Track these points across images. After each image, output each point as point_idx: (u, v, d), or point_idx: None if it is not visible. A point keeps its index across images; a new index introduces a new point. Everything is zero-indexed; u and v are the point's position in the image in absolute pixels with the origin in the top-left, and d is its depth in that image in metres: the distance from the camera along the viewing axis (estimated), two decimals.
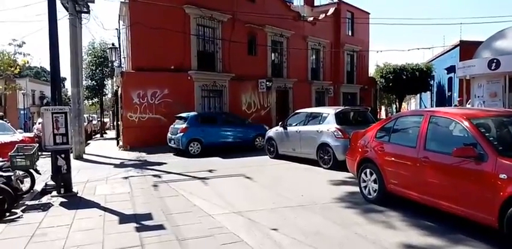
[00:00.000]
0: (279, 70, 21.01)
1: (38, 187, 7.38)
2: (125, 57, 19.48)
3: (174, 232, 4.72)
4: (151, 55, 15.26)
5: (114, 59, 18.90)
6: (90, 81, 26.33)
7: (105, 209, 5.91)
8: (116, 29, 21.13)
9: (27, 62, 27.23)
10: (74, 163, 9.31)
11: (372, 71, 29.67)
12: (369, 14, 27.54)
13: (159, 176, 8.81)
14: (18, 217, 5.56)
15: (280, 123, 11.71)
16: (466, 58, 14.51)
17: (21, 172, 7.05)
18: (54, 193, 6.92)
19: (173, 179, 8.44)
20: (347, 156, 7.00)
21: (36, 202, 6.43)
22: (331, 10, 24.79)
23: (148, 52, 15.25)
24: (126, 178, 8.70)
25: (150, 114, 15.46)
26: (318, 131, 9.78)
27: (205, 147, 12.97)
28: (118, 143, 16.55)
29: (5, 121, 13.42)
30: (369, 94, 28.04)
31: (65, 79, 39.08)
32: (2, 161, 6.63)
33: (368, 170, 6.04)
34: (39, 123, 14.85)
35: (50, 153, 7.30)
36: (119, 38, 20.89)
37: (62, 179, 6.93)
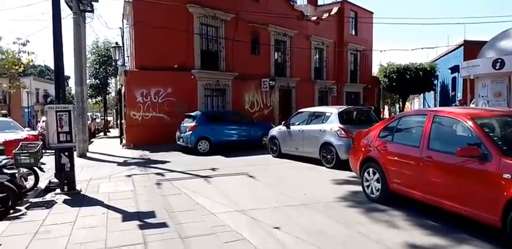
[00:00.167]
0: (282, 70, 20.98)
1: (42, 184, 7.43)
2: (128, 56, 19.49)
3: (177, 230, 4.73)
4: (155, 54, 15.28)
5: (117, 58, 18.98)
6: (93, 80, 26.37)
7: (109, 207, 5.94)
8: (120, 27, 21.13)
9: (32, 61, 27.31)
10: (78, 161, 9.34)
11: (375, 70, 29.62)
12: (372, 13, 27.46)
13: (162, 175, 8.83)
14: (22, 214, 5.59)
15: (283, 122, 11.71)
16: (470, 58, 14.47)
17: (25, 170, 7.09)
18: (58, 190, 6.96)
19: (176, 177, 8.46)
20: (350, 155, 6.99)
21: (40, 200, 6.46)
22: (335, 9, 24.73)
23: (151, 51, 15.27)
24: (129, 176, 8.73)
25: (153, 113, 15.48)
26: (321, 130, 9.77)
27: (213, 145, 13.08)
28: (121, 142, 16.59)
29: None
30: (372, 93, 27.96)
31: (68, 77, 39.19)
32: (6, 159, 6.66)
33: (371, 170, 6.03)
34: (43, 121, 14.91)
35: (53, 151, 7.33)
36: (122, 37, 20.92)
37: (65, 177, 6.97)
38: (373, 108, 11.79)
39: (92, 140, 19.64)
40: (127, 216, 5.44)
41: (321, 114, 10.40)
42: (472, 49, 16.67)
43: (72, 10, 12.13)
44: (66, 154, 7.00)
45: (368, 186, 6.11)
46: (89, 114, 19.25)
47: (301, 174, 8.88)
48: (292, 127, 10.97)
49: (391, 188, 5.57)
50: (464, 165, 4.35)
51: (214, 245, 4.26)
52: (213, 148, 13.00)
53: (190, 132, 12.92)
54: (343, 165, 8.61)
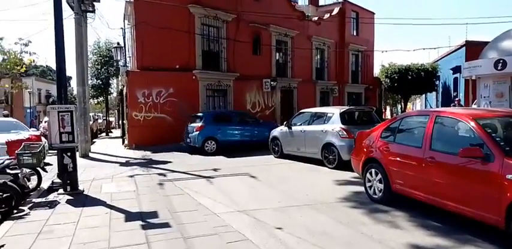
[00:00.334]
0: (283, 70, 20.98)
1: (45, 184, 7.46)
2: (130, 57, 19.52)
3: (180, 230, 4.74)
4: (157, 54, 15.31)
5: (119, 58, 18.98)
6: (95, 80, 26.40)
7: (111, 207, 5.95)
8: (121, 28, 21.16)
9: (33, 61, 27.40)
10: (80, 161, 9.37)
11: (376, 71, 29.60)
12: (373, 13, 27.43)
13: (165, 175, 8.85)
14: (26, 214, 5.61)
15: (284, 123, 11.71)
16: (472, 59, 14.47)
17: (28, 170, 7.11)
18: (61, 190, 6.98)
19: (178, 177, 8.47)
20: (352, 156, 7.00)
21: (43, 200, 6.48)
22: (336, 10, 24.73)
23: (153, 52, 15.30)
24: (131, 176, 8.74)
25: (155, 113, 15.50)
26: (322, 131, 9.78)
27: (220, 145, 13.18)
28: (123, 142, 16.62)
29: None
30: (374, 94, 27.94)
31: (70, 78, 39.33)
32: (9, 159, 6.69)
33: (373, 170, 6.03)
34: (45, 122, 14.95)
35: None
36: (124, 37, 20.94)
37: (68, 177, 6.98)
38: (374, 108, 11.80)
39: (94, 140, 19.68)
40: (130, 216, 5.45)
41: (322, 114, 10.40)
42: (473, 49, 16.67)
43: (73, 10, 12.16)
44: (69, 154, 7.02)
45: (370, 187, 6.11)
46: (91, 114, 19.28)
47: (303, 175, 8.88)
48: (294, 128, 10.98)
49: (393, 189, 5.57)
50: (466, 166, 4.35)
51: (217, 245, 4.27)
52: (220, 148, 13.11)
53: (197, 132, 13.04)
54: (345, 166, 8.61)
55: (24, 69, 24.56)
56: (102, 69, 26.33)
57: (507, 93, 12.31)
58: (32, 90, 38.76)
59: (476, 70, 13.16)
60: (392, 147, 5.75)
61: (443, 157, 4.72)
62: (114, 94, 31.95)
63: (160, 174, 8.98)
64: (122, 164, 10.89)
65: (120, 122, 20.02)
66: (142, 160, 11.58)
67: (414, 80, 23.42)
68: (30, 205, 6.13)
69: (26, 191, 6.68)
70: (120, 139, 17.75)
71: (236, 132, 13.81)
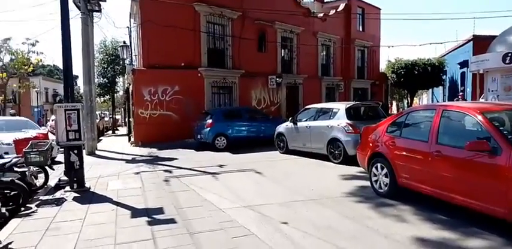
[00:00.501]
0: (289, 67, 20.92)
1: (52, 182, 7.51)
2: (136, 55, 19.60)
3: (186, 226, 4.76)
4: (162, 52, 15.35)
5: (125, 57, 19.08)
6: (102, 79, 26.58)
7: (118, 204, 5.98)
8: (127, 27, 21.25)
9: (41, 61, 27.66)
10: (87, 159, 9.43)
11: (383, 66, 29.41)
12: (380, 9, 27.24)
13: (170, 172, 8.88)
14: (33, 212, 5.65)
15: (290, 119, 11.69)
16: (479, 53, 14.32)
17: (35, 168, 7.17)
18: (68, 188, 7.02)
19: (184, 174, 8.50)
20: (358, 151, 6.97)
21: (50, 197, 6.53)
22: (342, 6, 24.57)
23: (159, 50, 15.34)
24: (137, 173, 8.78)
25: (161, 111, 15.56)
26: (328, 126, 9.74)
27: (230, 141, 13.36)
28: (129, 140, 16.70)
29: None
30: (380, 89, 27.78)
31: (77, 77, 39.58)
32: (16, 157, 6.75)
33: (379, 165, 6.00)
34: (52, 120, 15.05)
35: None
36: (130, 36, 21.03)
37: (75, 175, 7.02)
38: (380, 103, 11.72)
39: (101, 138, 19.81)
40: (136, 212, 5.48)
41: (328, 110, 10.36)
42: (481, 44, 16.50)
43: (80, 10, 12.22)
44: (75, 152, 7.05)
45: (376, 181, 6.08)
46: (97, 112, 19.38)
47: (308, 170, 8.86)
48: (299, 124, 10.95)
49: (399, 183, 5.54)
50: (473, 159, 4.31)
51: (223, 240, 4.28)
52: (230, 144, 13.28)
53: (208, 129, 13.25)
54: (350, 161, 8.59)
55: (32, 68, 24.81)
56: (109, 68, 26.49)
57: None
58: (40, 89, 39.10)
59: (484, 64, 13.03)
60: (398, 141, 5.71)
61: (450, 150, 4.67)
62: (120, 93, 32.09)
63: (166, 171, 9.02)
64: (128, 161, 10.95)
65: (126, 120, 20.11)
66: (148, 157, 11.63)
67: (421, 75, 23.24)
68: (38, 202, 6.18)
69: (33, 189, 6.73)
70: (127, 137, 17.83)
71: (246, 128, 13.97)
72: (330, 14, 23.84)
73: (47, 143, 7.47)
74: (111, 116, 31.42)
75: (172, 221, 4.99)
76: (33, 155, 6.84)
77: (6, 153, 7.55)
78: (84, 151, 8.10)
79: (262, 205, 5.64)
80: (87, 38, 12.82)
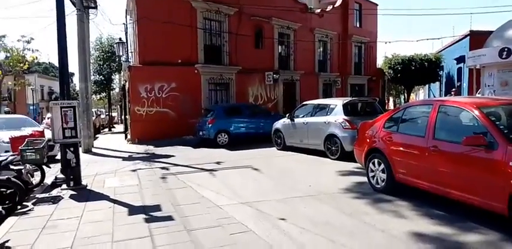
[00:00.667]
0: (286, 63, 20.87)
1: (48, 180, 7.50)
2: (132, 52, 19.51)
3: (183, 223, 4.75)
4: (159, 49, 15.27)
5: (121, 54, 18.98)
6: (98, 76, 26.39)
7: (115, 201, 5.97)
8: (123, 23, 21.14)
9: (36, 58, 27.47)
10: (83, 157, 9.38)
11: (380, 62, 29.40)
12: (376, 5, 27.19)
13: (167, 169, 8.86)
14: (30, 210, 5.63)
15: (287, 115, 11.68)
16: (476, 48, 14.31)
17: (31, 166, 7.13)
18: (64, 186, 7.00)
19: (181, 171, 8.48)
20: (355, 146, 6.97)
21: (47, 195, 6.51)
22: (339, 1, 24.39)
23: (155, 47, 15.26)
24: (134, 170, 8.76)
25: (157, 108, 15.50)
26: (325, 122, 9.74)
27: (232, 138, 13.49)
28: (126, 137, 16.66)
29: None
30: (377, 85, 27.78)
31: (73, 74, 39.30)
32: (12, 155, 6.71)
33: (376, 160, 6.00)
34: (48, 118, 14.98)
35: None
36: (126, 33, 20.92)
37: (71, 173, 7.01)
38: (377, 99, 11.73)
39: (97, 136, 19.74)
40: (133, 210, 5.46)
41: (325, 106, 10.36)
42: (478, 39, 16.48)
43: (75, 6, 12.13)
44: (72, 149, 7.03)
45: (373, 177, 6.09)
46: (93, 110, 19.31)
47: (306, 166, 8.87)
48: (297, 120, 10.94)
49: (396, 179, 5.54)
50: (470, 154, 4.31)
51: (220, 236, 4.27)
52: (231, 140, 13.39)
53: (210, 125, 13.37)
54: (347, 156, 8.58)
55: (27, 66, 24.63)
56: (105, 65, 26.31)
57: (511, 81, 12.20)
58: (35, 87, 38.87)
59: (480, 59, 13.03)
60: (395, 137, 5.71)
61: (447, 145, 4.68)
62: (117, 90, 31.95)
63: (163, 168, 9.00)
64: (124, 158, 10.92)
65: (123, 117, 20.07)
66: (145, 155, 11.61)
67: (417, 71, 23.22)
68: (34, 200, 6.15)
69: (29, 187, 6.70)
70: (123, 134, 17.81)
71: (247, 125, 14.06)
72: (327, 9, 23.73)
73: (43, 140, 7.43)
74: (107, 113, 31.31)
75: (169, 218, 4.98)
76: (29, 153, 6.80)
77: (8, 151, 7.54)
78: (80, 149, 8.05)
79: (259, 202, 5.64)
80: (83, 35, 12.74)
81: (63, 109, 6.93)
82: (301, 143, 10.73)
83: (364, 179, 6.48)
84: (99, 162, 10.33)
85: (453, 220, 4.49)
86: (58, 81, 7.74)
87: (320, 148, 9.86)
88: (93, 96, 26.33)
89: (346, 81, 24.94)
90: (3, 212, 5.26)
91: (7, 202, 5.73)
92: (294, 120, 11.04)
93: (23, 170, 6.45)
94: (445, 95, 22.48)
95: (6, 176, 5.88)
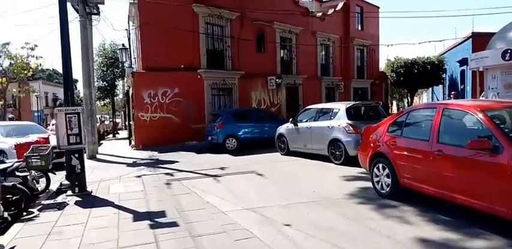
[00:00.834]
0: (288, 67, 20.90)
1: (53, 186, 7.53)
2: (135, 58, 19.61)
3: (188, 229, 4.75)
4: (161, 55, 15.35)
5: (124, 60, 19.09)
6: (101, 82, 26.57)
7: (119, 207, 5.98)
8: (126, 29, 21.24)
9: (40, 65, 27.65)
10: (88, 163, 9.42)
11: (382, 65, 29.38)
12: (378, 8, 27.21)
13: (172, 175, 8.87)
14: (35, 216, 5.65)
15: (290, 120, 11.68)
16: (478, 50, 14.28)
17: (36, 172, 7.17)
18: (69, 192, 7.02)
19: (185, 177, 8.49)
20: (359, 151, 6.94)
21: (52, 201, 6.53)
22: (340, 5, 24.54)
23: (158, 52, 15.34)
24: (139, 176, 8.78)
25: (161, 113, 15.55)
26: (329, 127, 9.73)
27: (241, 143, 13.52)
28: (130, 143, 16.70)
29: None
30: (380, 89, 27.73)
31: (76, 80, 39.56)
32: (18, 162, 6.75)
33: (380, 165, 5.98)
34: (53, 124, 15.06)
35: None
36: (129, 39, 21.04)
37: (76, 179, 7.03)
38: (381, 103, 11.71)
39: (101, 142, 19.81)
40: (138, 216, 5.47)
41: (328, 110, 10.35)
42: (480, 41, 16.47)
43: (78, 13, 12.24)
44: (77, 155, 7.06)
45: (378, 182, 6.06)
46: (97, 116, 19.40)
47: (309, 171, 8.85)
48: (300, 124, 10.94)
49: (401, 183, 5.52)
50: (475, 158, 4.29)
51: (225, 243, 4.27)
52: (240, 145, 13.44)
53: (218, 130, 13.45)
54: (352, 161, 8.56)
55: (31, 73, 24.80)
56: (108, 71, 26.48)
57: None
58: (39, 94, 39.12)
59: (483, 61, 12.99)
60: (399, 141, 5.69)
61: (451, 149, 4.65)
62: (120, 96, 32.12)
63: (167, 174, 9.01)
64: (129, 164, 10.95)
65: (127, 123, 20.12)
66: (149, 160, 11.63)
67: (420, 74, 23.19)
68: (40, 206, 6.18)
69: (35, 193, 6.73)
70: (127, 140, 17.85)
71: (255, 129, 14.11)
72: (329, 13, 23.82)
73: (48, 147, 7.48)
74: (111, 119, 31.42)
75: (174, 224, 4.99)
76: (34, 160, 6.84)
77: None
78: (85, 155, 8.10)
79: (264, 207, 5.63)
80: (86, 41, 12.84)
81: (67, 116, 6.97)
82: (304, 148, 10.72)
83: (369, 184, 6.46)
84: (103, 168, 10.36)
85: (459, 226, 4.46)
86: (62, 87, 7.78)
87: (324, 152, 9.84)
88: (97, 102, 26.46)
89: (349, 84, 24.94)
90: (9, 218, 5.28)
91: (13, 208, 5.75)
92: (297, 125, 11.03)
93: (28, 177, 6.48)
94: (455, 98, 22.40)
95: (12, 183, 5.92)
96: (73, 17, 12.16)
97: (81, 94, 20.16)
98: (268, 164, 10.01)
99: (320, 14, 23.38)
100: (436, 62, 23.71)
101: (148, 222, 5.13)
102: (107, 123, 29.62)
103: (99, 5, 13.07)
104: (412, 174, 5.32)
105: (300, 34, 21.13)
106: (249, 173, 8.65)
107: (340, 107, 9.95)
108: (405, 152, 5.47)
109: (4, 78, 27.50)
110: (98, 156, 12.94)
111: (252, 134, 13.96)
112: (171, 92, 15.73)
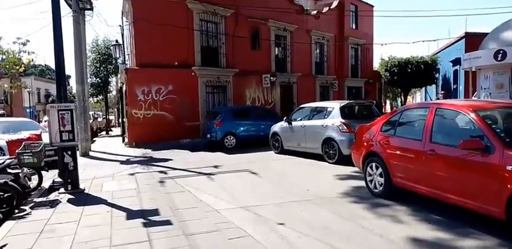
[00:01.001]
0: (282, 65, 20.90)
1: (46, 184, 7.45)
2: (128, 54, 19.45)
3: (181, 227, 4.74)
4: (155, 51, 15.25)
5: (118, 56, 18.94)
6: (94, 79, 26.35)
7: (113, 205, 5.95)
8: (120, 25, 21.07)
9: (32, 60, 27.32)
10: (81, 160, 9.37)
11: (376, 65, 29.50)
12: (372, 6, 27.29)
13: (165, 173, 8.85)
14: (27, 214, 5.61)
15: (285, 118, 11.69)
16: (471, 50, 14.39)
17: (29, 169, 7.11)
18: (62, 189, 6.98)
19: (179, 175, 8.47)
20: (352, 150, 6.98)
21: (44, 199, 6.48)
22: (335, 3, 24.56)
23: (152, 49, 15.25)
24: (132, 174, 8.75)
25: (154, 111, 15.47)
26: (322, 125, 9.75)
27: (239, 140, 13.55)
28: (123, 140, 16.61)
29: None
30: (373, 88, 27.85)
31: (69, 77, 39.19)
32: (9, 159, 6.68)
33: (374, 164, 6.01)
34: (45, 121, 14.92)
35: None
36: (122, 35, 20.86)
37: (69, 176, 6.98)
38: (375, 102, 11.76)
39: (94, 139, 19.67)
40: (131, 214, 5.45)
41: (322, 109, 10.37)
42: (473, 41, 16.59)
43: (71, 8, 12.12)
44: (69, 153, 7.01)
45: (371, 181, 6.10)
46: (90, 112, 19.26)
47: (303, 170, 8.88)
48: (294, 123, 10.95)
49: (394, 183, 5.55)
50: (467, 158, 4.32)
51: (219, 241, 4.27)
52: (239, 142, 13.47)
53: (217, 128, 13.45)
54: (345, 160, 8.60)
55: (23, 68, 24.49)
56: (101, 67, 26.27)
57: (507, 84, 12.26)
58: (31, 90, 38.71)
59: (476, 61, 13.10)
60: (392, 141, 5.72)
61: (444, 149, 4.69)
62: (114, 93, 31.88)
63: (161, 172, 8.99)
64: (122, 162, 10.90)
65: (120, 120, 20.00)
66: (142, 158, 11.58)
67: (414, 73, 23.34)
68: (32, 204, 6.13)
69: (27, 191, 6.67)
70: (120, 138, 17.74)
71: (254, 127, 14.13)
72: (324, 11, 23.84)
73: (40, 144, 7.41)
74: (104, 116, 31.21)
75: (167, 222, 4.98)
76: (26, 157, 6.77)
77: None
78: (78, 152, 8.04)
79: (257, 206, 5.64)
80: (79, 37, 12.74)
81: (60, 112, 6.90)
82: (298, 147, 10.74)
83: (362, 183, 6.49)
84: (96, 166, 10.31)
85: (451, 225, 4.50)
86: (55, 83, 7.71)
87: (318, 151, 9.87)
88: (90, 98, 26.28)
89: (343, 83, 25.01)
90: (1, 216, 5.24)
91: (4, 205, 5.70)
92: (291, 123, 11.05)
93: (20, 174, 6.42)
94: (444, 98, 22.57)
95: (4, 180, 5.85)
96: (66, 11, 12.05)
97: (74, 91, 20.03)
98: (262, 162, 10.02)
99: (315, 12, 23.39)
100: (430, 62, 23.87)
101: (141, 220, 5.11)
102: (100, 119, 29.42)
103: (92, 0, 12.97)
104: (405, 173, 5.35)
105: (295, 32, 21.13)
106: (243, 172, 8.65)
107: (334, 106, 9.98)
108: (398, 152, 5.50)
109: None
110: (91, 153, 12.87)
111: (250, 132, 13.99)
112: (165, 89, 15.65)
